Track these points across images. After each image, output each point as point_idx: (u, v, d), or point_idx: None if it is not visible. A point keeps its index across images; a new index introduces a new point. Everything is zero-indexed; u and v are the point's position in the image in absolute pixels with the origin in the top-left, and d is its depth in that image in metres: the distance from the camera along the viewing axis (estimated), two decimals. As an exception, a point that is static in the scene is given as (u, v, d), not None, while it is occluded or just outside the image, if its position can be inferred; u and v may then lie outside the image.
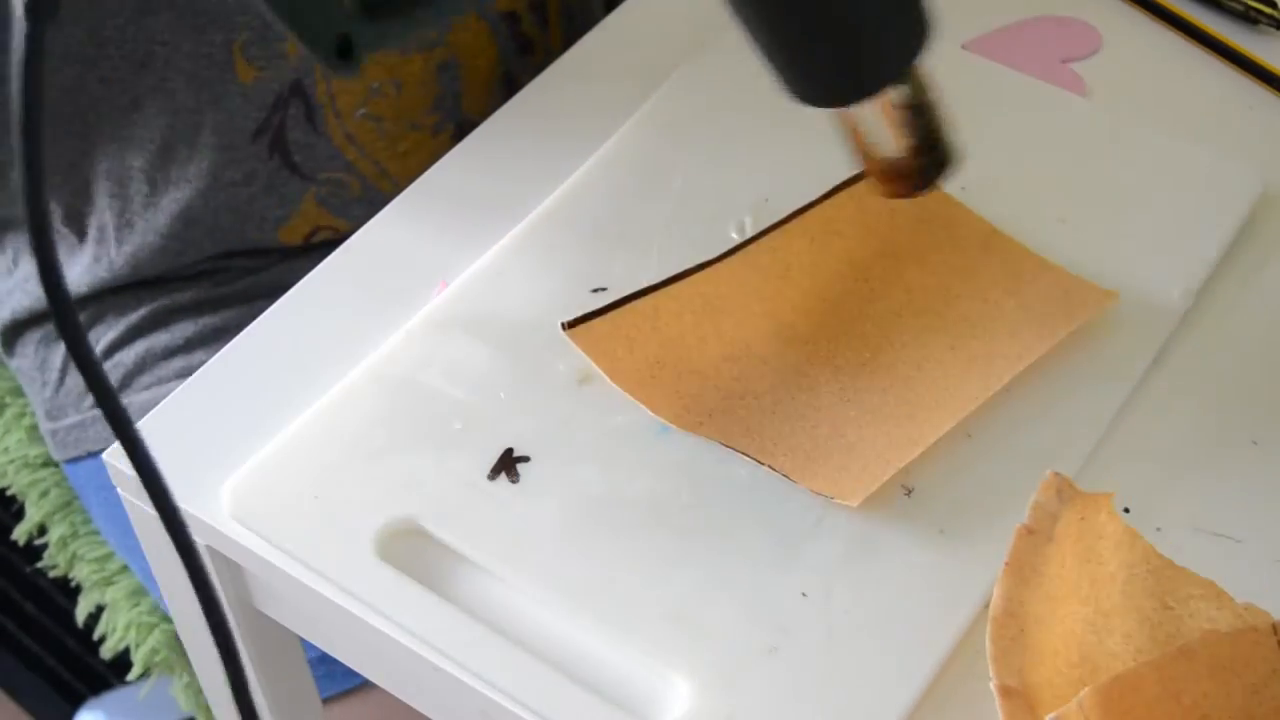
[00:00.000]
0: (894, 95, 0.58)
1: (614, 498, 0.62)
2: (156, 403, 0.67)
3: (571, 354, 0.66)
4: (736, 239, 0.70)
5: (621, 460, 0.63)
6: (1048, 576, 0.56)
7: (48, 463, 0.99)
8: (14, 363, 0.95)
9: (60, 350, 0.92)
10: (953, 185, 0.70)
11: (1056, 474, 0.59)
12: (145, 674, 0.96)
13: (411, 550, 0.61)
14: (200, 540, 0.64)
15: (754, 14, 0.57)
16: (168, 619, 0.95)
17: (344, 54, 0.50)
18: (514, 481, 0.63)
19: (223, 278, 0.91)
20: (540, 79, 0.80)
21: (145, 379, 0.90)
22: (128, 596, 0.96)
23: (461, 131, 0.83)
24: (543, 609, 0.59)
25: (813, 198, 0.71)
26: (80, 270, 0.90)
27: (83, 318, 0.90)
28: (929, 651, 0.57)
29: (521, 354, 0.67)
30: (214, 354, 0.69)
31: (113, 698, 1.37)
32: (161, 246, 0.88)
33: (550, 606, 0.59)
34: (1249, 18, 0.82)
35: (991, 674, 0.54)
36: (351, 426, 0.64)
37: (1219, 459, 0.64)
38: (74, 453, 0.93)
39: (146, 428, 0.66)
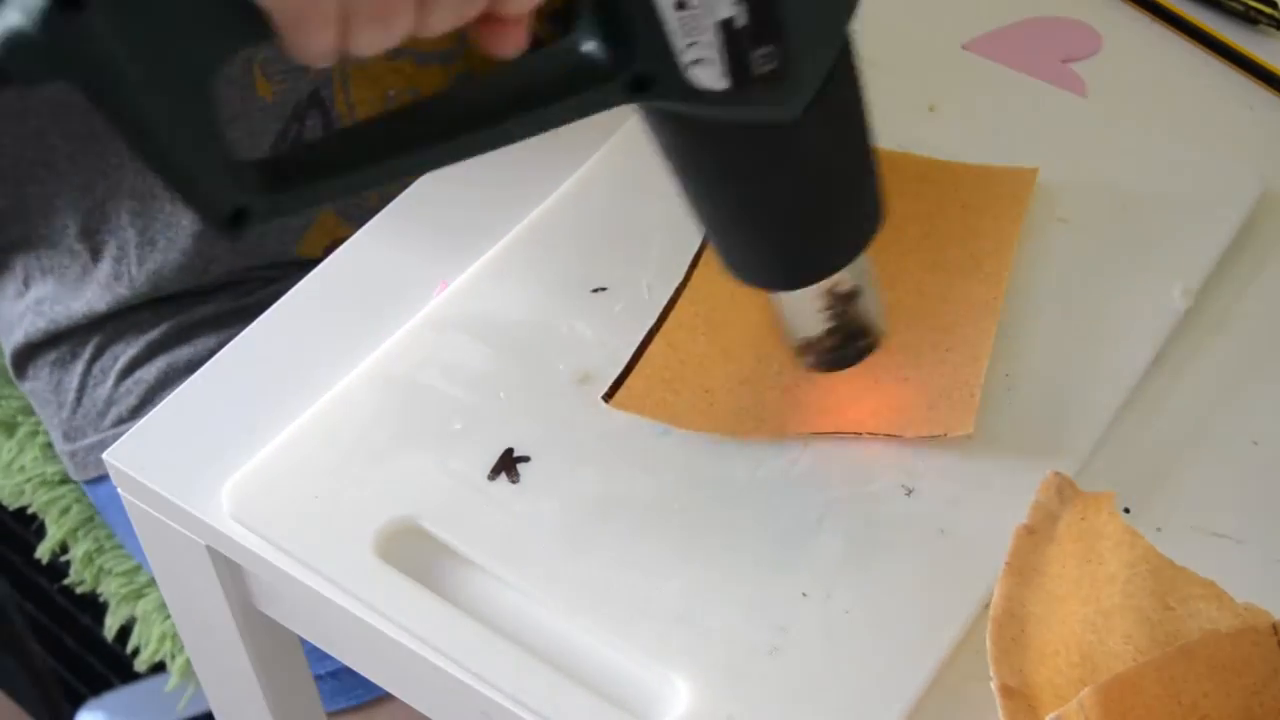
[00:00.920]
0: (830, 282, 0.58)
1: (614, 498, 0.62)
2: None
3: (571, 354, 0.66)
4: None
5: (621, 460, 0.63)
6: (1048, 576, 0.56)
7: (65, 480, 0.99)
8: (25, 385, 0.94)
9: (75, 371, 0.91)
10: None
11: (1056, 474, 0.59)
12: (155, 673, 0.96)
13: (411, 550, 0.61)
14: (200, 540, 0.64)
15: (704, 194, 0.57)
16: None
17: (237, 224, 0.49)
18: (514, 482, 0.63)
19: (242, 290, 0.91)
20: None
21: (167, 394, 0.89)
22: (158, 609, 0.96)
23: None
24: (542, 609, 0.59)
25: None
26: (98, 289, 0.89)
27: (100, 337, 0.90)
28: (929, 651, 0.57)
29: (521, 354, 0.67)
30: None
31: (113, 698, 1.37)
32: (183, 264, 0.88)
33: (550, 606, 0.59)
34: (1249, 18, 0.82)
35: (991, 674, 0.54)
36: (351, 427, 0.64)
37: (1219, 459, 0.64)
38: (95, 473, 0.92)
39: (148, 428, 0.66)
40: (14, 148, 0.85)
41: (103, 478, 0.92)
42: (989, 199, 0.71)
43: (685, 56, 0.50)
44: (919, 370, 0.65)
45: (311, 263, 0.92)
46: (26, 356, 0.93)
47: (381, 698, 0.84)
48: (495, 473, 0.63)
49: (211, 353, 0.74)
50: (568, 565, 0.60)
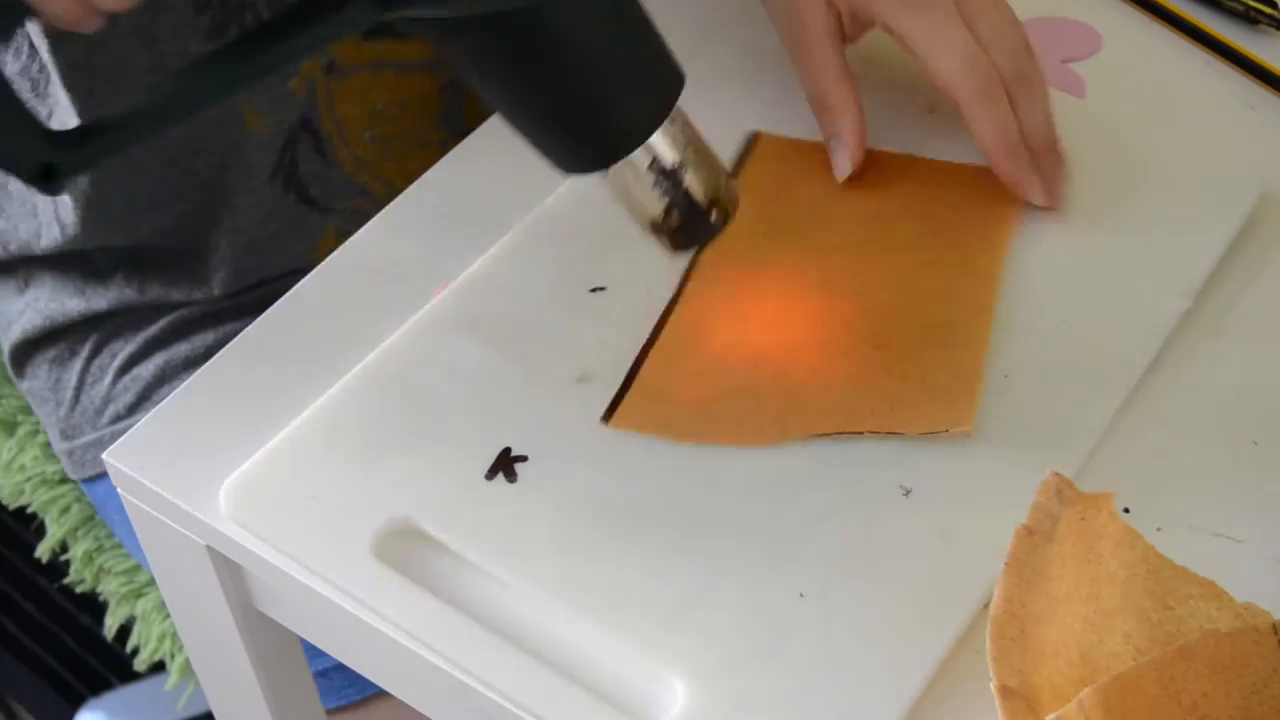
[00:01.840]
0: (645, 159, 0.58)
1: (611, 498, 0.62)
2: None
3: (570, 354, 0.66)
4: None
5: (619, 460, 0.63)
6: (1048, 577, 0.56)
7: (64, 479, 0.99)
8: (24, 384, 0.94)
9: (74, 368, 0.91)
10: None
11: (1056, 474, 0.58)
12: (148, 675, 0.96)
13: (409, 550, 0.61)
14: (200, 540, 0.64)
15: (494, 97, 0.58)
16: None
17: (49, 178, 0.53)
18: (511, 481, 0.62)
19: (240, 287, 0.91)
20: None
21: (165, 391, 0.89)
22: (158, 608, 0.96)
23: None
24: (539, 609, 0.59)
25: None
26: (109, 293, 0.90)
27: (99, 334, 0.90)
28: (929, 651, 0.57)
29: (520, 354, 0.67)
30: None
31: (113, 698, 1.37)
32: (185, 286, 0.89)
33: (547, 606, 0.59)
34: (1249, 18, 0.82)
35: (991, 674, 0.54)
36: (350, 427, 0.64)
37: (1219, 459, 0.64)
38: (92, 471, 0.92)
39: (147, 428, 0.66)
40: None
41: (100, 476, 0.92)
42: (987, 199, 0.71)
43: None
44: (918, 367, 0.65)
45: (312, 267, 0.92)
46: (25, 353, 0.93)
47: (376, 695, 0.84)
48: (493, 472, 0.63)
49: (209, 350, 0.75)
50: (565, 565, 0.60)
